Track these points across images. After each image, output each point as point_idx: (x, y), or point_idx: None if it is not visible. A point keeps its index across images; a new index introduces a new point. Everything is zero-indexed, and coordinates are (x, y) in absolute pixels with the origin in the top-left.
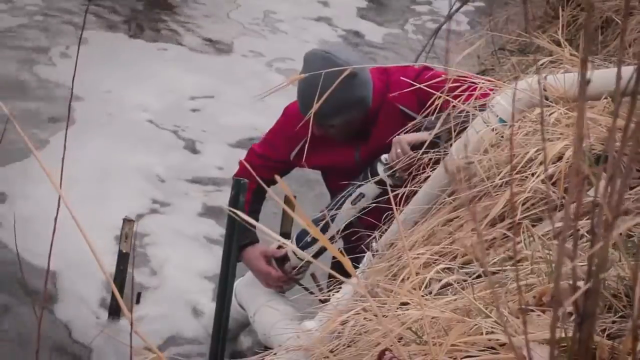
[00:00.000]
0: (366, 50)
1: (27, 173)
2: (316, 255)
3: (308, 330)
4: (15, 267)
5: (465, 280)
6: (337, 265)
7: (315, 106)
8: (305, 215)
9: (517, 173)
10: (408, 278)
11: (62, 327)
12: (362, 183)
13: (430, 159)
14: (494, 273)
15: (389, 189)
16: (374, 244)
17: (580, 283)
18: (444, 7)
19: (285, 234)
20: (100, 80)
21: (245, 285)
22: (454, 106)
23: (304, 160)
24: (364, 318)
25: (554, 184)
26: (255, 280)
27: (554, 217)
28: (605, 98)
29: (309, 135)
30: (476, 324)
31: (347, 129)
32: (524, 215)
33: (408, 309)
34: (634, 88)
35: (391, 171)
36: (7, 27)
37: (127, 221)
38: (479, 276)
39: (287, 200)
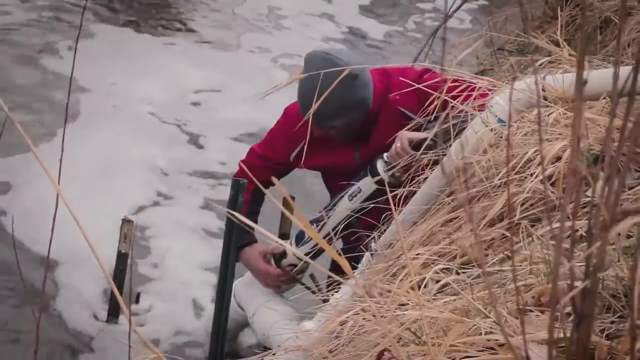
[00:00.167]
0: (367, 48)
1: (30, 164)
2: (316, 255)
3: (307, 330)
4: (19, 256)
5: (464, 281)
6: (336, 265)
7: (314, 106)
8: (302, 216)
9: (515, 173)
10: (407, 278)
11: (62, 327)
12: (361, 178)
13: (430, 159)
14: (492, 273)
15: (387, 188)
16: (373, 244)
17: (578, 283)
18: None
19: (284, 234)
20: (107, 73)
21: (244, 286)
22: (452, 107)
23: (304, 160)
24: (363, 318)
25: (552, 184)
26: (254, 280)
27: (552, 218)
28: (604, 98)
29: (309, 137)
30: (475, 324)
31: (347, 131)
32: (523, 215)
33: (407, 310)
34: (632, 88)
35: (389, 166)
36: (17, 22)
37: (126, 221)
38: (477, 276)
39: (286, 201)
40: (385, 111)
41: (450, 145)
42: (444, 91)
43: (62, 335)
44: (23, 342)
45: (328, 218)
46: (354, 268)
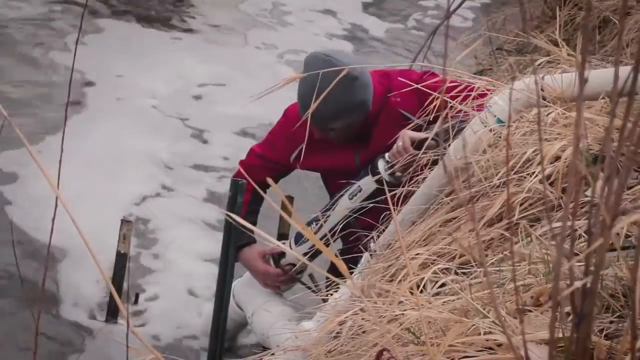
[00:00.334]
0: (368, 45)
1: (39, 156)
2: (315, 255)
3: (306, 330)
4: (22, 246)
5: (463, 281)
6: (335, 265)
7: (313, 106)
8: (299, 218)
9: (514, 173)
10: (406, 278)
11: (62, 326)
12: (362, 177)
13: (429, 159)
14: (491, 273)
15: (386, 188)
16: (372, 245)
17: (578, 283)
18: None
19: (283, 235)
20: (114, 67)
21: (243, 286)
22: (452, 107)
23: (304, 162)
24: (362, 318)
25: (551, 184)
26: (253, 280)
27: (552, 218)
28: (603, 98)
29: (309, 138)
30: (474, 324)
31: (347, 132)
32: (522, 215)
33: (406, 310)
34: (631, 88)
35: (389, 165)
36: (27, 16)
37: (125, 222)
38: (476, 276)
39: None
40: (385, 113)
41: (450, 145)
42: (444, 91)
43: (61, 335)
44: (23, 342)
45: (327, 218)
46: (353, 268)
